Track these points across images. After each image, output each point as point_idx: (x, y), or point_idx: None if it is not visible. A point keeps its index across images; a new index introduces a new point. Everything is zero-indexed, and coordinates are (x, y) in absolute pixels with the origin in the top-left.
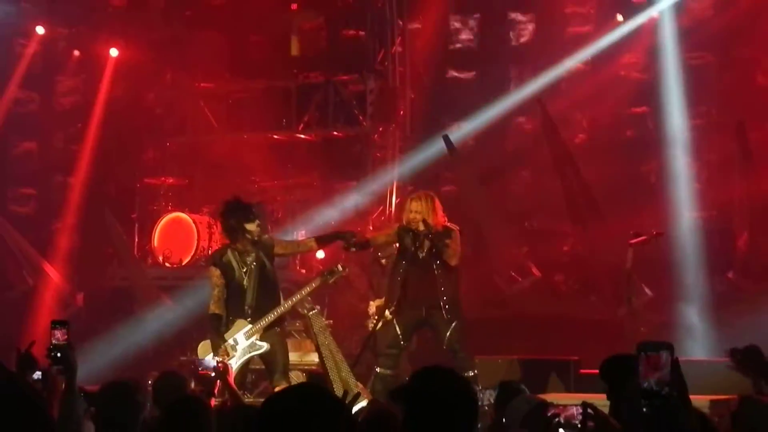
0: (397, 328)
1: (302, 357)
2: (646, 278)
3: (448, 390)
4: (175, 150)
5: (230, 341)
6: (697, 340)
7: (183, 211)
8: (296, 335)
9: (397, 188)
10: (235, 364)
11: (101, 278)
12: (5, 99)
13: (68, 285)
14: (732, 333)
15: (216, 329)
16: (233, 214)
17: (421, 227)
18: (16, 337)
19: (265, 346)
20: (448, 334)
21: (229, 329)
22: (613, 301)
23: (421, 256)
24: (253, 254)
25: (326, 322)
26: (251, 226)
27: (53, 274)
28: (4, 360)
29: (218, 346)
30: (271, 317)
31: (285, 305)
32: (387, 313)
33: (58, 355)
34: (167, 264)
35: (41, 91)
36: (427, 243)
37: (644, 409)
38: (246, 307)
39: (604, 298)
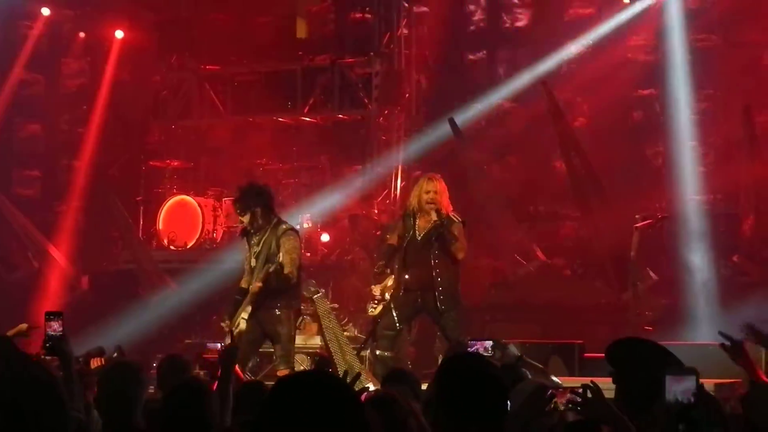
0: (393, 311)
1: (307, 340)
2: (651, 262)
3: (477, 373)
4: (181, 133)
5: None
6: (702, 324)
7: (188, 194)
8: (300, 318)
9: (402, 172)
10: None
11: (106, 261)
12: (10, 81)
13: (73, 268)
14: (737, 317)
15: (233, 302)
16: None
17: (434, 216)
18: (21, 320)
19: (241, 324)
20: (441, 322)
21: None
22: (618, 285)
23: (418, 239)
24: (258, 237)
25: (331, 305)
26: (244, 218)
27: (58, 257)
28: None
29: (221, 320)
30: (244, 307)
31: (248, 300)
32: (386, 294)
33: (54, 346)
34: (172, 247)
35: (46, 73)
36: (433, 231)
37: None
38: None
39: (609, 282)
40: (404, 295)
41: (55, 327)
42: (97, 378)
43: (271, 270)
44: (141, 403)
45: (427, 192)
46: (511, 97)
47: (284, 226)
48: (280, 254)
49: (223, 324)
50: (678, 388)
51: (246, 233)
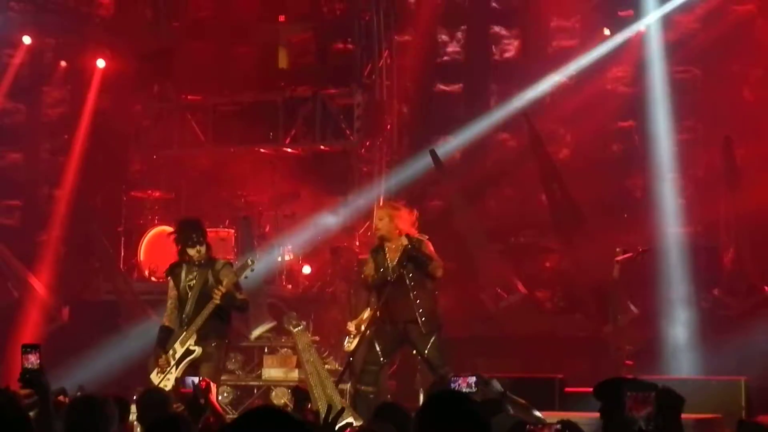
0: (377, 345)
1: (287, 373)
2: (632, 295)
3: (461, 415)
4: (162, 163)
5: (170, 351)
6: (683, 358)
7: (169, 225)
8: (281, 351)
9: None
10: (174, 371)
11: (87, 292)
12: None
13: (53, 298)
14: (718, 351)
15: (159, 341)
16: (178, 237)
17: (404, 241)
18: (1, 350)
19: (197, 349)
20: (426, 349)
21: (172, 340)
22: (599, 318)
23: (393, 272)
24: (196, 272)
25: (312, 338)
26: (192, 251)
27: (38, 287)
28: None
29: (157, 356)
30: (199, 321)
31: (209, 307)
32: (362, 327)
33: (31, 379)
34: (153, 278)
35: (28, 101)
36: (402, 258)
37: None
38: (183, 316)
39: (590, 315)
40: (389, 329)
41: (32, 360)
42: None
43: (225, 291)
44: None
45: (381, 219)
46: (493, 129)
47: (222, 261)
48: (225, 283)
49: (159, 359)
50: (638, 408)
51: (174, 268)
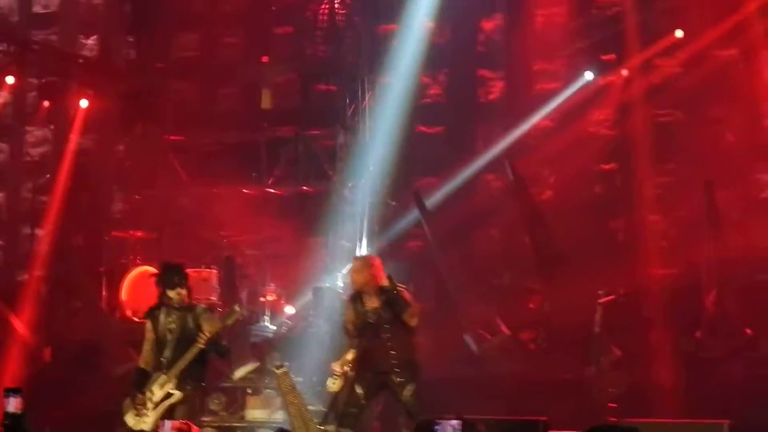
0: (358, 388)
1: (270, 414)
2: (615, 337)
3: None
4: (145, 202)
5: (148, 393)
6: (666, 401)
7: (152, 265)
8: (264, 392)
9: (367, 244)
10: (151, 413)
11: (69, 332)
12: None
13: (35, 338)
14: (701, 394)
15: (135, 383)
16: (159, 280)
17: (372, 294)
18: None
19: (177, 393)
20: (403, 397)
21: (150, 382)
22: (582, 360)
23: (373, 314)
24: (175, 316)
25: (295, 379)
26: (172, 293)
27: (20, 327)
28: None
29: (135, 398)
30: (181, 364)
31: (192, 351)
32: (346, 368)
33: (13, 424)
34: (135, 318)
35: (10, 141)
36: (377, 308)
37: None
38: (162, 360)
39: (573, 357)
40: (370, 375)
41: (15, 404)
42: None
43: (209, 337)
44: None
45: (351, 275)
46: (476, 171)
47: (201, 306)
48: (205, 328)
49: (136, 400)
50: None
51: (153, 311)
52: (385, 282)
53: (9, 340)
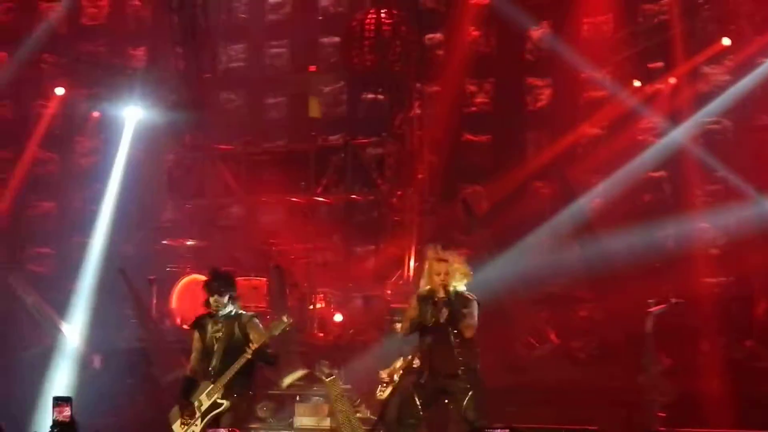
0: (418, 400)
1: (319, 422)
2: (665, 346)
3: None
4: (194, 211)
5: (195, 402)
6: (717, 410)
7: (201, 273)
8: (312, 399)
9: (416, 252)
10: (199, 423)
11: (119, 339)
12: (25, 159)
13: (86, 346)
14: (752, 403)
15: (182, 391)
16: (205, 285)
17: (441, 293)
18: (35, 398)
19: (225, 403)
20: (464, 403)
21: (197, 391)
22: (632, 368)
23: (439, 324)
24: (222, 325)
25: (344, 387)
26: (222, 299)
27: (71, 335)
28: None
29: (183, 407)
30: (228, 374)
31: (240, 361)
32: (395, 376)
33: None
34: (185, 326)
35: (61, 151)
36: (445, 311)
37: None
38: (210, 369)
39: (623, 365)
40: (429, 382)
41: (64, 412)
42: None
43: (257, 347)
44: None
45: (438, 274)
46: (525, 178)
47: (249, 313)
48: (253, 337)
49: (185, 411)
50: None
51: (200, 321)
52: (459, 286)
53: (60, 347)
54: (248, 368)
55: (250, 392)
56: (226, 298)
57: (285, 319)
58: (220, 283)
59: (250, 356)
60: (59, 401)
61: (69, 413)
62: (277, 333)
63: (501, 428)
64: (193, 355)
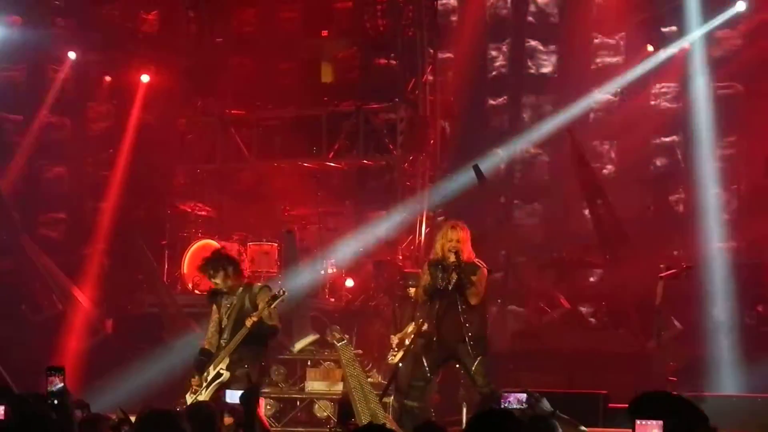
0: (425, 362)
1: (330, 386)
2: (676, 311)
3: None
4: (206, 177)
5: (205, 374)
6: (727, 375)
7: (213, 238)
8: (324, 364)
9: (427, 218)
10: (204, 393)
11: (130, 304)
12: (37, 124)
13: (97, 310)
14: (762, 367)
15: (197, 363)
16: (203, 269)
17: (452, 258)
18: (45, 362)
19: (224, 374)
20: (473, 368)
21: (210, 363)
22: (643, 334)
23: (449, 290)
24: (234, 297)
25: (355, 351)
26: (216, 280)
27: (82, 299)
28: (33, 384)
29: (192, 377)
30: (232, 346)
31: (241, 333)
32: (406, 341)
33: (55, 401)
34: (197, 291)
35: (72, 116)
36: (454, 276)
37: None
38: (222, 341)
39: (634, 330)
40: (437, 345)
41: (57, 382)
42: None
43: (255, 320)
44: None
45: (450, 240)
46: (536, 144)
47: (259, 284)
48: (259, 308)
49: (192, 380)
50: None
51: (214, 294)
52: (469, 254)
53: (72, 311)
54: (257, 338)
55: (262, 363)
56: (220, 277)
57: (280, 292)
58: (209, 264)
59: (248, 329)
60: (52, 371)
61: (62, 383)
62: (273, 305)
63: (518, 392)
64: (210, 327)
